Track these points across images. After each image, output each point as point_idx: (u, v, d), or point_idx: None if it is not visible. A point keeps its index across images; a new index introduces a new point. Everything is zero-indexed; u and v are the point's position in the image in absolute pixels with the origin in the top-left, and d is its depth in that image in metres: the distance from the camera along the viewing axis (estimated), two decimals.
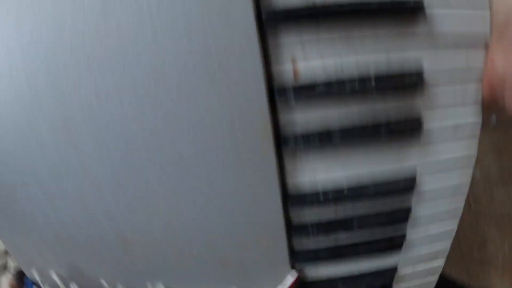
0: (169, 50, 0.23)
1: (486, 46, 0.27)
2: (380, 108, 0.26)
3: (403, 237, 0.31)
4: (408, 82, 0.26)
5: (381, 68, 0.26)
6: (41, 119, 0.25)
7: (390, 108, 0.27)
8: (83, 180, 0.26)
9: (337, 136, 0.26)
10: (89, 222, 0.28)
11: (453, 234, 0.33)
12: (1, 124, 0.25)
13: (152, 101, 0.24)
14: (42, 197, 0.27)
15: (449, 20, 0.26)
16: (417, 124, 0.27)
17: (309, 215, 0.29)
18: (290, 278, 0.32)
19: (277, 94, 0.25)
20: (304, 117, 0.26)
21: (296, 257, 0.32)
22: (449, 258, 0.72)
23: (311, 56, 0.25)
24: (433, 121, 0.28)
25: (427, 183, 0.30)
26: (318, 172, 0.28)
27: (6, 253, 0.57)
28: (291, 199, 0.28)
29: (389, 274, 0.33)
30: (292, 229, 0.30)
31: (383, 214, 0.30)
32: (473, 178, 0.72)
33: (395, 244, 0.32)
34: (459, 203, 0.31)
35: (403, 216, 0.30)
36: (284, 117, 0.26)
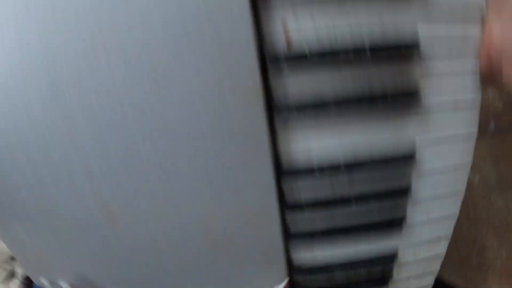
0: (158, 12, 0.22)
1: (483, 19, 0.26)
2: (376, 77, 0.25)
3: (403, 218, 0.29)
4: (404, 51, 0.25)
5: (376, 36, 0.25)
6: (30, 86, 0.23)
7: (386, 77, 0.25)
8: (70, 149, 0.24)
9: (331, 105, 0.25)
10: (74, 194, 0.26)
11: (456, 216, 0.31)
12: None
13: (141, 66, 0.23)
14: (29, 170, 0.25)
15: None
16: (414, 94, 0.26)
17: (304, 189, 0.27)
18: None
19: (269, 62, 0.24)
20: (297, 86, 0.25)
21: (291, 238, 0.29)
22: (447, 264, 0.70)
23: (304, 23, 0.24)
24: (430, 93, 0.26)
25: (427, 159, 0.28)
26: (312, 142, 0.26)
27: (12, 259, 0.56)
28: (284, 171, 0.27)
29: (389, 259, 0.31)
30: (286, 205, 0.28)
31: (382, 190, 0.28)
32: (471, 184, 0.71)
33: (395, 225, 0.29)
34: (461, 182, 0.29)
35: (403, 193, 0.28)
36: (277, 85, 0.25)
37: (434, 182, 0.29)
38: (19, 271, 0.55)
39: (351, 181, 0.27)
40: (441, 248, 0.32)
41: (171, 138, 0.24)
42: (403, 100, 0.26)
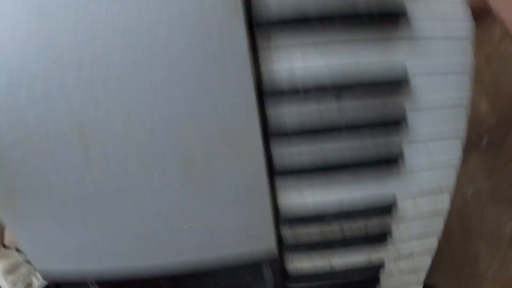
0: None
1: None
2: None
3: (399, 156, 0.25)
4: None
5: None
6: None
7: None
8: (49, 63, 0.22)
9: (314, 21, 0.22)
10: (50, 112, 0.23)
11: (456, 163, 0.26)
12: None
13: None
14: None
15: None
16: (401, 14, 0.23)
17: (289, 114, 0.23)
18: None
19: None
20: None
21: (277, 175, 0.25)
22: (442, 273, 0.68)
23: None
24: (420, 17, 0.23)
25: (422, 88, 0.24)
26: (296, 62, 0.23)
27: (30, 273, 0.56)
28: (267, 91, 0.23)
29: (387, 209, 0.26)
30: (270, 133, 0.24)
31: (374, 120, 0.24)
32: (464, 197, 0.70)
33: (391, 164, 0.25)
34: (461, 121, 0.25)
35: (396, 124, 0.24)
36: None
37: (432, 118, 0.25)
38: (36, 284, 0.54)
39: (340, 106, 0.23)
40: (443, 203, 0.28)
41: (148, 51, 0.22)
42: (390, 19, 0.23)
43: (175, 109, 0.23)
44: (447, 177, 0.27)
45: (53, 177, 0.25)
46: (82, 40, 0.22)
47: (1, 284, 0.50)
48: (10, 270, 0.53)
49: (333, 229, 0.27)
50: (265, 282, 0.30)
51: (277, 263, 0.28)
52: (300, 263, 0.29)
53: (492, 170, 0.71)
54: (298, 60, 0.23)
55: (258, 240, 0.27)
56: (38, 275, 0.49)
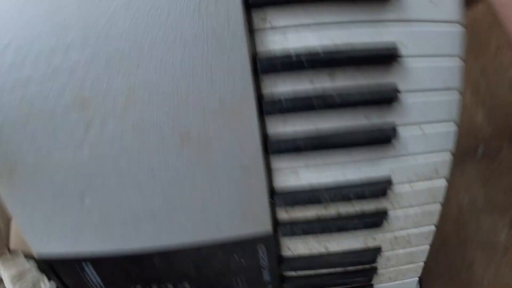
0: None
1: None
2: None
3: (393, 134, 0.24)
4: None
5: None
6: None
7: None
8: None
9: (308, 2, 0.22)
10: (53, 88, 0.22)
11: (451, 147, 0.25)
12: None
13: None
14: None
15: None
16: None
17: (284, 93, 0.23)
18: None
19: None
20: None
21: (273, 155, 0.24)
22: (439, 279, 0.67)
23: None
24: None
25: (414, 69, 0.23)
26: (290, 40, 0.22)
27: (38, 280, 0.55)
28: (262, 71, 0.22)
29: (383, 189, 0.25)
30: (266, 113, 0.23)
31: (368, 97, 0.23)
32: (460, 205, 0.70)
33: (386, 141, 0.24)
34: (453, 103, 0.24)
35: (389, 100, 0.23)
36: None
37: (425, 99, 0.24)
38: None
39: (333, 86, 0.23)
40: (439, 188, 0.27)
41: (149, 27, 0.21)
42: (381, 0, 0.22)
43: (174, 84, 0.22)
44: (442, 161, 0.26)
45: (54, 153, 0.24)
46: (86, 16, 0.22)
47: None
48: (18, 277, 0.52)
49: (329, 213, 0.26)
50: (260, 266, 0.29)
51: (273, 246, 0.27)
52: (296, 249, 0.28)
53: (487, 179, 0.70)
54: (292, 41, 0.22)
55: (254, 220, 0.25)
56: (46, 281, 0.48)
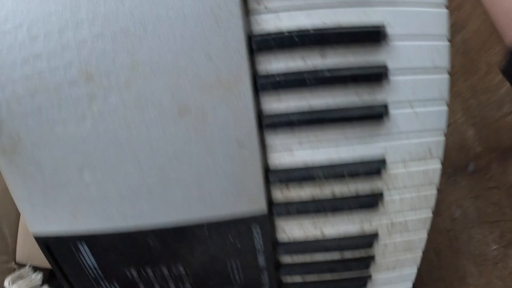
0: None
1: None
2: None
3: (385, 111, 0.23)
4: None
5: None
6: None
7: None
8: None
9: None
10: (61, 63, 0.22)
11: (443, 127, 0.24)
12: None
13: None
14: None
15: None
16: None
17: (278, 70, 0.22)
18: None
19: None
20: None
21: (267, 131, 0.23)
22: None
23: None
24: None
25: (402, 48, 0.22)
26: (283, 21, 0.22)
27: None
28: (257, 50, 0.22)
29: (377, 167, 0.24)
30: (260, 89, 0.22)
31: (358, 74, 0.22)
32: (453, 218, 0.67)
33: (377, 117, 0.23)
34: (443, 82, 0.23)
35: (379, 77, 0.22)
36: None
37: (415, 77, 0.23)
38: None
39: (324, 63, 0.22)
40: (434, 170, 0.25)
41: (153, 5, 0.21)
42: None
43: (174, 60, 0.22)
44: (435, 141, 0.24)
45: (57, 126, 0.23)
46: None
47: None
48: None
49: (324, 192, 0.24)
50: (255, 249, 0.27)
51: (268, 227, 0.25)
52: (291, 232, 0.26)
53: (478, 193, 0.68)
54: (285, 21, 0.22)
55: (248, 197, 0.23)
56: None
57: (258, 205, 0.24)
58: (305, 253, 0.26)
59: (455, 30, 0.54)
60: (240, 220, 0.24)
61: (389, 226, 0.26)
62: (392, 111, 0.23)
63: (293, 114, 0.22)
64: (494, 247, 0.60)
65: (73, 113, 0.23)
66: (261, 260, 0.26)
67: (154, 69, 0.22)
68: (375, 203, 0.24)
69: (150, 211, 0.24)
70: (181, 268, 0.26)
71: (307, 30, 0.22)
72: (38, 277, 0.51)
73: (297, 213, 0.24)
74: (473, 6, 0.52)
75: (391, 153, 0.24)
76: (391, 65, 0.22)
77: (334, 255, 0.27)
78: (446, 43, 0.22)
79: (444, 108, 0.23)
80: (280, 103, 0.23)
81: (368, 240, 0.25)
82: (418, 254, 0.27)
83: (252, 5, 0.22)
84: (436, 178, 0.25)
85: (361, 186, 0.24)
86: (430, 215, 0.26)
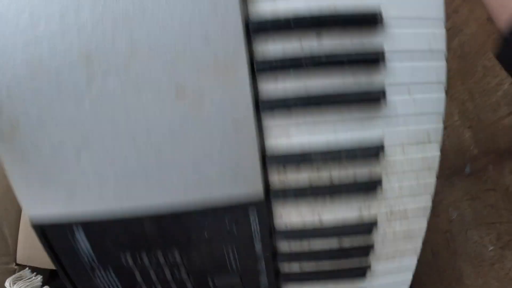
0: None
1: None
2: None
3: (381, 93, 0.22)
4: None
5: None
6: None
7: None
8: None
9: None
10: (62, 45, 0.22)
11: (441, 110, 0.23)
12: None
13: None
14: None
15: None
16: None
17: (274, 51, 0.22)
18: None
19: None
20: None
21: (264, 112, 0.22)
22: None
23: None
24: None
25: (398, 31, 0.22)
26: (279, 2, 0.22)
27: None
28: (253, 31, 0.21)
29: (374, 150, 0.23)
30: (257, 70, 0.22)
31: (354, 55, 0.22)
32: (450, 220, 0.66)
33: (374, 99, 0.22)
34: (440, 65, 0.23)
35: (375, 58, 0.22)
36: None
37: (411, 60, 0.22)
38: None
39: (320, 44, 0.22)
40: (433, 155, 0.24)
41: None
42: None
43: (172, 42, 0.21)
44: (434, 125, 0.23)
45: (56, 108, 0.22)
46: None
47: None
48: None
49: (321, 176, 0.23)
50: (252, 235, 0.25)
51: (264, 211, 0.23)
52: (288, 217, 0.24)
53: (475, 195, 0.67)
54: (282, 4, 0.22)
55: (245, 179, 0.22)
56: None
57: (255, 187, 0.22)
58: (303, 239, 0.25)
59: (453, 33, 0.54)
60: (237, 206, 0.23)
61: (388, 214, 0.24)
62: (389, 93, 0.22)
63: (290, 95, 0.22)
64: (491, 248, 0.58)
65: (72, 96, 0.22)
66: (258, 247, 0.25)
67: (152, 51, 0.21)
68: (374, 188, 0.23)
69: (146, 193, 0.23)
70: (177, 256, 0.25)
71: (304, 14, 0.21)
72: (38, 278, 0.49)
73: (294, 197, 0.23)
74: (470, 9, 0.52)
75: (389, 136, 0.23)
76: (387, 47, 0.21)
77: (333, 243, 0.25)
78: (442, 27, 0.22)
79: (441, 91, 0.23)
80: (277, 85, 0.22)
81: (367, 227, 0.24)
82: (418, 243, 0.26)
83: None
84: (435, 163, 0.24)
85: (359, 171, 0.23)
86: (429, 203, 0.25)
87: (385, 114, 0.22)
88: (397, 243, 0.26)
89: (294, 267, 0.26)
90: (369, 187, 0.23)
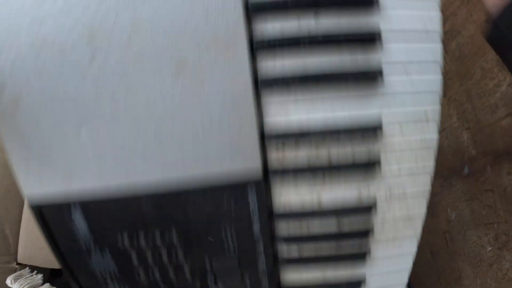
0: None
1: None
2: None
3: (378, 71, 0.22)
4: None
5: None
6: None
7: None
8: None
9: None
10: (66, 22, 0.22)
11: (438, 89, 0.23)
12: None
13: None
14: None
15: None
16: None
17: (273, 28, 0.22)
18: None
19: None
20: None
21: (263, 89, 0.22)
22: None
23: None
24: None
25: (394, 10, 0.22)
26: None
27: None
28: (253, 9, 0.21)
29: (372, 128, 0.22)
30: (256, 47, 0.22)
31: (351, 33, 0.21)
32: (449, 220, 0.65)
33: (371, 77, 0.22)
34: (436, 44, 0.22)
35: (372, 37, 0.22)
36: None
37: (407, 39, 0.22)
38: None
39: (317, 22, 0.21)
40: (431, 134, 0.23)
41: None
42: None
43: (174, 18, 0.21)
44: (431, 104, 0.23)
45: (59, 84, 0.22)
46: None
47: None
48: None
49: (320, 154, 0.22)
50: (250, 216, 0.25)
51: (263, 190, 0.23)
52: (287, 197, 0.24)
53: (473, 196, 0.66)
54: None
55: (244, 154, 0.22)
56: None
57: (253, 164, 0.22)
58: (302, 220, 0.24)
59: (451, 35, 0.54)
60: (235, 184, 0.22)
61: (387, 193, 0.24)
62: (386, 71, 0.22)
63: (288, 73, 0.21)
64: (489, 248, 0.57)
65: (75, 72, 0.22)
66: (257, 227, 0.24)
67: (154, 26, 0.21)
68: (372, 167, 0.22)
69: (145, 170, 0.22)
70: (174, 236, 0.24)
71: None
72: (39, 276, 0.48)
73: (293, 176, 0.22)
74: (468, 12, 0.52)
75: (386, 114, 0.22)
76: (384, 27, 0.21)
77: (332, 225, 0.25)
78: (438, 9, 0.22)
79: (438, 70, 0.22)
80: (275, 63, 0.21)
81: (366, 208, 0.23)
82: (418, 227, 0.25)
83: None
84: (433, 143, 0.23)
85: (358, 150, 0.22)
86: (428, 186, 0.24)
87: (382, 92, 0.22)
88: (396, 226, 0.25)
89: (293, 251, 0.25)
90: (368, 167, 0.22)
